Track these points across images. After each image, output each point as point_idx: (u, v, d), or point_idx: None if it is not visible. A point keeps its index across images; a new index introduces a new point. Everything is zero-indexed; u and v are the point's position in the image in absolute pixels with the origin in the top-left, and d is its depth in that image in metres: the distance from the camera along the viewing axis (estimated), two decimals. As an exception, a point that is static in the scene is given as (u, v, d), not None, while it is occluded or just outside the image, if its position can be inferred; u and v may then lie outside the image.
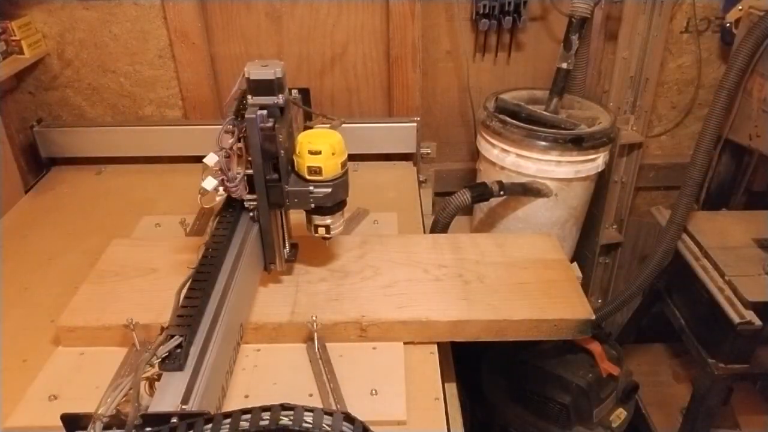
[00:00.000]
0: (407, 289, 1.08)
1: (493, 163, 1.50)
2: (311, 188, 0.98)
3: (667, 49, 1.67)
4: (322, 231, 1.04)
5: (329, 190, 0.98)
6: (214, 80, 1.64)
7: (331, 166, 0.97)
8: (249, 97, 0.95)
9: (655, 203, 1.84)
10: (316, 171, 0.97)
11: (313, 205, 1.00)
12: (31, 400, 0.91)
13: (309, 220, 1.05)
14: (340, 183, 0.99)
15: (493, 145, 1.50)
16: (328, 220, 1.04)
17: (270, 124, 0.93)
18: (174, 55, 1.59)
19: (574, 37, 1.46)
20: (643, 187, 1.85)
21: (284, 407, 0.59)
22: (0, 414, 0.89)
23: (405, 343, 1.02)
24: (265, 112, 0.93)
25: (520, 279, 1.11)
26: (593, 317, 1.03)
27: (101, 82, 1.64)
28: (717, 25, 1.63)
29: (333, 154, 0.97)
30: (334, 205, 1.01)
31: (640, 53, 1.63)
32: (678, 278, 1.53)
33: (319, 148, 0.96)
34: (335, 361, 0.97)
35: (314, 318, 0.97)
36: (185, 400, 0.72)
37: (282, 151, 0.95)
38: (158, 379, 0.76)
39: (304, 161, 0.97)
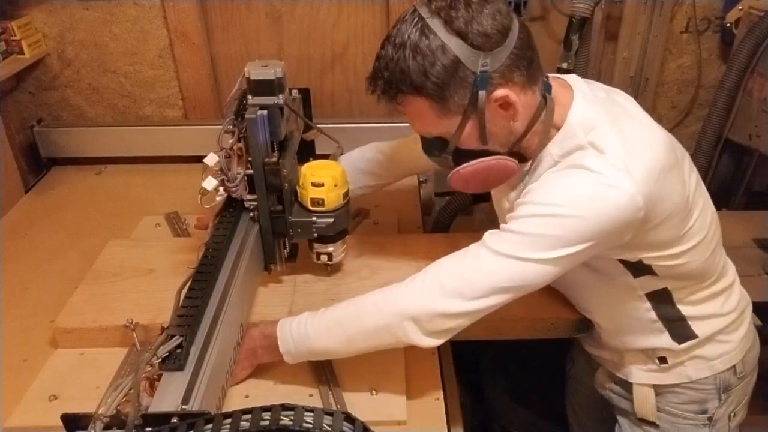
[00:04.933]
0: (406, 288, 1.08)
1: (493, 163, 1.50)
2: (314, 219, 1.01)
3: (667, 49, 1.67)
4: (324, 258, 1.07)
5: (331, 220, 1.01)
6: (214, 80, 1.64)
7: (333, 198, 1.00)
8: (249, 97, 0.95)
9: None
10: (319, 202, 1.00)
11: (315, 235, 1.02)
12: (31, 400, 0.91)
13: (311, 247, 1.07)
14: (342, 213, 1.02)
15: (493, 145, 1.49)
16: (330, 248, 1.06)
17: (274, 159, 0.94)
18: (174, 55, 1.59)
19: (575, 37, 1.46)
20: (643, 187, 1.84)
21: (285, 407, 0.59)
22: (0, 414, 0.89)
23: (405, 343, 1.02)
24: (265, 112, 0.93)
25: (518, 278, 1.11)
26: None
27: (101, 82, 1.64)
28: (717, 25, 1.63)
29: (335, 185, 1.00)
30: (336, 234, 1.04)
31: (640, 53, 1.63)
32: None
33: (322, 180, 0.99)
34: (335, 361, 0.97)
35: (314, 318, 0.97)
36: (185, 400, 0.72)
37: (286, 184, 0.96)
38: (158, 379, 0.76)
39: (308, 193, 1.00)
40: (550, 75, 0.88)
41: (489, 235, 0.83)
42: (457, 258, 0.85)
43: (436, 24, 0.77)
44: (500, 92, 0.79)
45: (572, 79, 0.90)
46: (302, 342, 0.88)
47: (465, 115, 0.81)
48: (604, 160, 0.78)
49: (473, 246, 0.84)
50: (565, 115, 0.84)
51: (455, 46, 0.76)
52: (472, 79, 0.78)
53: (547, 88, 0.85)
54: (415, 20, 0.78)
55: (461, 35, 0.76)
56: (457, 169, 0.88)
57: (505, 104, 0.81)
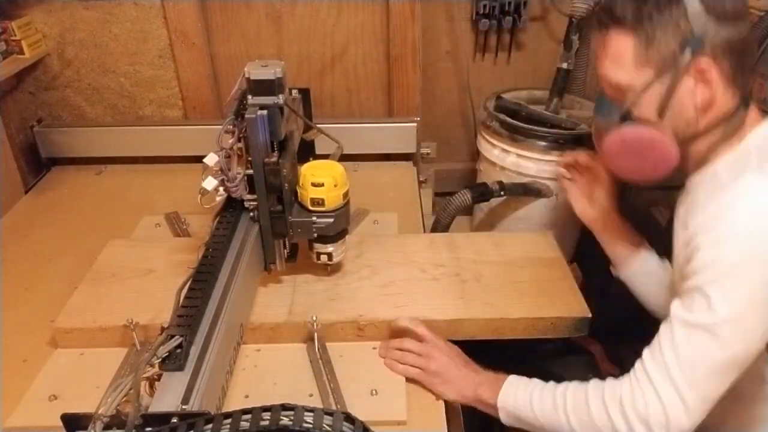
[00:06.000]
0: (404, 288, 1.08)
1: (494, 164, 1.50)
2: (314, 218, 1.01)
3: (667, 49, 1.66)
4: (324, 258, 1.07)
5: (331, 220, 1.01)
6: (214, 80, 1.64)
7: (333, 198, 1.00)
8: (249, 97, 0.95)
9: (655, 203, 1.84)
10: (319, 202, 1.00)
11: (315, 235, 1.02)
12: (31, 400, 0.91)
13: (311, 247, 1.07)
14: (342, 213, 1.02)
15: (493, 145, 1.50)
16: (330, 248, 1.06)
17: (274, 159, 0.94)
18: (174, 55, 1.59)
19: (575, 37, 1.46)
20: (643, 187, 1.84)
21: (284, 407, 0.59)
22: (0, 414, 0.89)
23: (405, 343, 1.02)
24: (265, 112, 0.93)
25: (516, 278, 1.11)
26: (590, 315, 1.03)
27: (101, 82, 1.64)
28: (717, 25, 1.63)
29: (335, 185, 1.00)
30: (336, 234, 1.03)
31: (640, 53, 1.63)
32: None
33: (322, 180, 0.99)
34: (335, 361, 0.97)
35: (314, 318, 0.97)
36: (185, 400, 0.72)
37: (286, 184, 0.96)
38: (158, 379, 0.76)
39: (308, 193, 1.00)
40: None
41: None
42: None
43: None
44: (705, 63, 0.77)
45: None
46: (522, 405, 0.86)
47: (659, 72, 0.79)
48: None
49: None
50: (745, 135, 0.80)
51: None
52: (687, 35, 0.76)
53: (746, 103, 0.80)
54: None
55: None
56: (621, 127, 0.84)
57: (705, 80, 0.78)
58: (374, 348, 1.00)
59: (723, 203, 0.75)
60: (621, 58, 0.82)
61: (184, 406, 0.71)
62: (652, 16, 0.78)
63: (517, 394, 0.88)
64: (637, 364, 0.79)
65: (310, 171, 1.01)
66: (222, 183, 0.96)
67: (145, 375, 0.74)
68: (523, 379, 0.90)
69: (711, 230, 0.74)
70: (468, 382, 0.92)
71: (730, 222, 0.73)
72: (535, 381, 0.89)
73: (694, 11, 0.75)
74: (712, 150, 0.82)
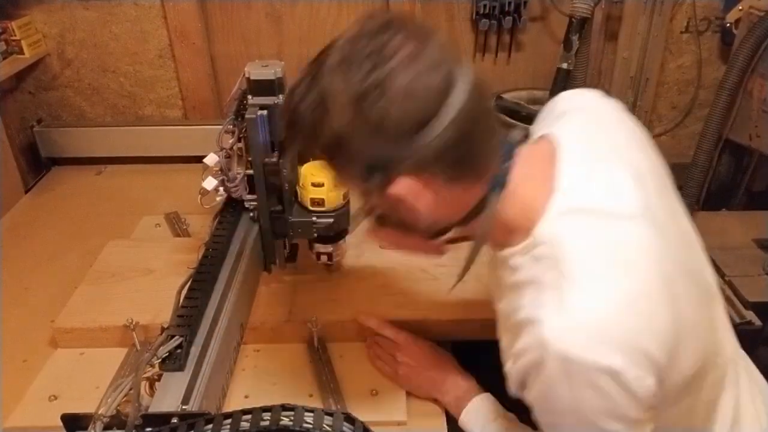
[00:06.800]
0: (405, 288, 1.08)
1: (493, 163, 1.50)
2: (314, 218, 1.00)
3: (668, 49, 1.67)
4: (324, 258, 1.06)
5: (331, 220, 1.00)
6: (214, 80, 1.64)
7: (333, 198, 0.99)
8: (249, 97, 0.95)
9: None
10: (319, 202, 0.99)
11: (315, 235, 1.02)
12: (31, 400, 0.91)
13: (311, 247, 1.06)
14: (342, 213, 1.01)
15: (493, 145, 1.49)
16: (330, 248, 1.05)
17: (274, 159, 0.94)
18: (174, 55, 1.59)
19: (575, 38, 1.46)
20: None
21: (285, 408, 0.59)
22: (0, 414, 0.89)
23: (405, 343, 1.02)
24: (265, 112, 0.93)
25: (519, 278, 1.11)
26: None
27: (101, 82, 1.64)
28: (717, 25, 1.63)
29: (335, 185, 0.99)
30: (336, 234, 1.03)
31: (640, 53, 1.63)
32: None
33: (322, 180, 0.98)
34: (335, 361, 0.97)
35: (314, 318, 0.97)
36: (186, 401, 0.72)
37: (286, 184, 0.96)
38: (158, 379, 0.76)
39: (308, 193, 0.99)
40: (528, 149, 0.70)
41: None
42: None
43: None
44: (396, 189, 0.63)
45: (565, 159, 0.67)
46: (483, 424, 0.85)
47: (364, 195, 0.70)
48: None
49: None
50: (532, 221, 0.64)
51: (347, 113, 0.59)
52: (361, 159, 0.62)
53: (499, 184, 0.66)
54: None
55: (356, 107, 0.58)
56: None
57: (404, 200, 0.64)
58: (374, 348, 1.00)
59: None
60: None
61: (184, 407, 0.71)
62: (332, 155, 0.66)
63: (476, 422, 0.86)
64: None
65: (310, 171, 1.00)
66: (222, 183, 0.96)
67: (145, 375, 0.75)
68: (487, 403, 0.88)
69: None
70: (432, 388, 0.91)
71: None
72: (499, 411, 0.87)
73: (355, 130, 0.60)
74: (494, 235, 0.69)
